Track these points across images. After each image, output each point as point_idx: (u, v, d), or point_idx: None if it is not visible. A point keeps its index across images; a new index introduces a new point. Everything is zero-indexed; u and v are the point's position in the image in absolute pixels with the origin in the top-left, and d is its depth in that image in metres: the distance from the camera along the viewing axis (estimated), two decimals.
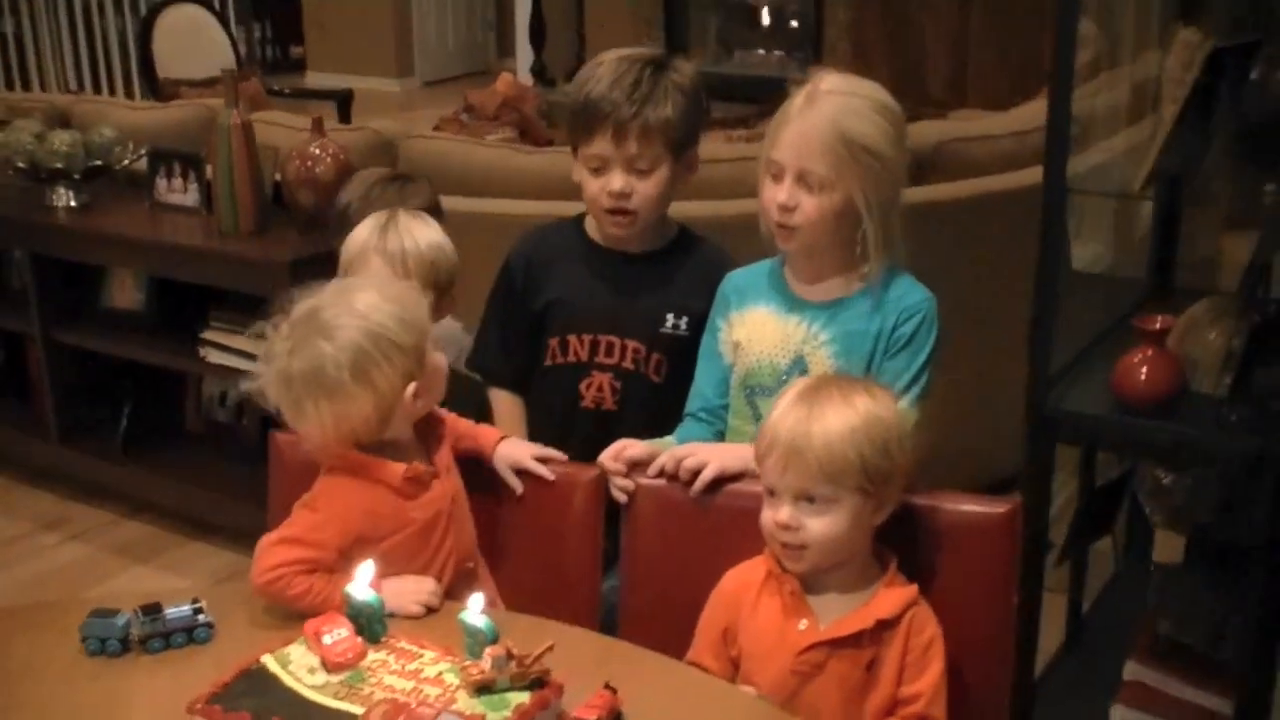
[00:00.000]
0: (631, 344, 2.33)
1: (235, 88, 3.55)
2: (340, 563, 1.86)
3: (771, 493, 1.85)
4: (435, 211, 2.60)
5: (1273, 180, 2.44)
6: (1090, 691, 2.77)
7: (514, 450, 2.14)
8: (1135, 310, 2.64)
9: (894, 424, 1.85)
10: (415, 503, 1.94)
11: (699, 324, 2.28)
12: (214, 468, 3.93)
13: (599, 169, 2.28)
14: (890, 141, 2.01)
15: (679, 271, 2.36)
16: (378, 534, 1.90)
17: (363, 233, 2.35)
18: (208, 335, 3.72)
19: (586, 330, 2.34)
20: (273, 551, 1.87)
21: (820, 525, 1.81)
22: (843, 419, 1.80)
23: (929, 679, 1.83)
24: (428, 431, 2.03)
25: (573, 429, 2.33)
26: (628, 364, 2.33)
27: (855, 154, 1.98)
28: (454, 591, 1.93)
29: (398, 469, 1.91)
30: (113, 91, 8.27)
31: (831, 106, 1.99)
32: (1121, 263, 3.69)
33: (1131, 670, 2.71)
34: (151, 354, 3.91)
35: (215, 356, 3.71)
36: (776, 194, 2.03)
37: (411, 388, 1.90)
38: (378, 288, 1.95)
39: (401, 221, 2.35)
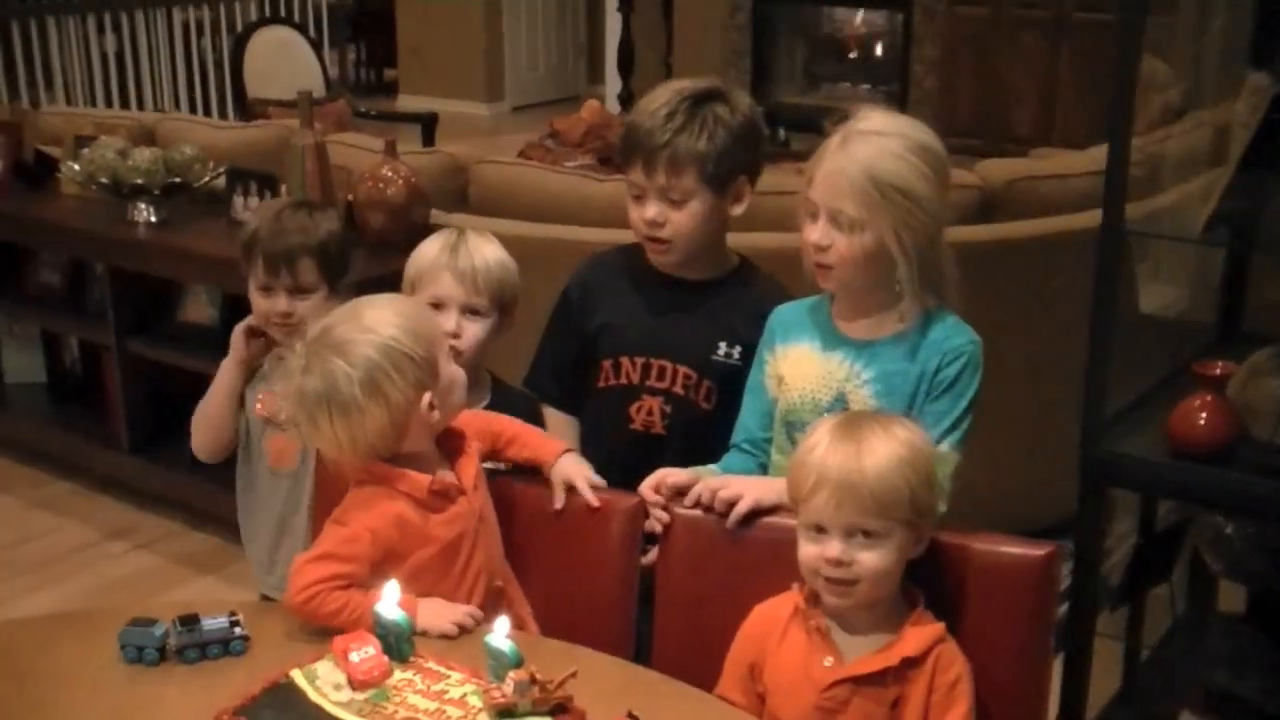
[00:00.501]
0: (683, 369, 2.33)
1: (310, 108, 3.62)
2: (372, 578, 1.89)
3: (820, 529, 1.83)
4: (346, 243, 2.67)
5: None
6: None
7: (572, 467, 2.15)
8: (1200, 356, 2.60)
9: (931, 455, 1.86)
10: (441, 517, 1.96)
11: (751, 355, 2.28)
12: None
13: (638, 197, 2.30)
14: (925, 181, 2.00)
15: (735, 301, 2.36)
16: (406, 547, 1.93)
17: (432, 250, 2.38)
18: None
19: (639, 353, 2.35)
20: (306, 570, 1.90)
21: (872, 559, 1.81)
22: (890, 450, 1.81)
23: (955, 718, 1.82)
24: (452, 446, 2.05)
25: (619, 451, 2.34)
26: (678, 389, 2.33)
27: (886, 194, 1.97)
28: (482, 611, 1.94)
29: (423, 480, 1.94)
30: (207, 111, 8.42)
31: (864, 146, 1.99)
32: (1195, 308, 3.64)
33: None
34: None
35: None
36: (810, 234, 2.04)
37: (426, 398, 1.93)
38: (386, 304, 1.98)
39: (471, 240, 2.38)
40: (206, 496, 4.06)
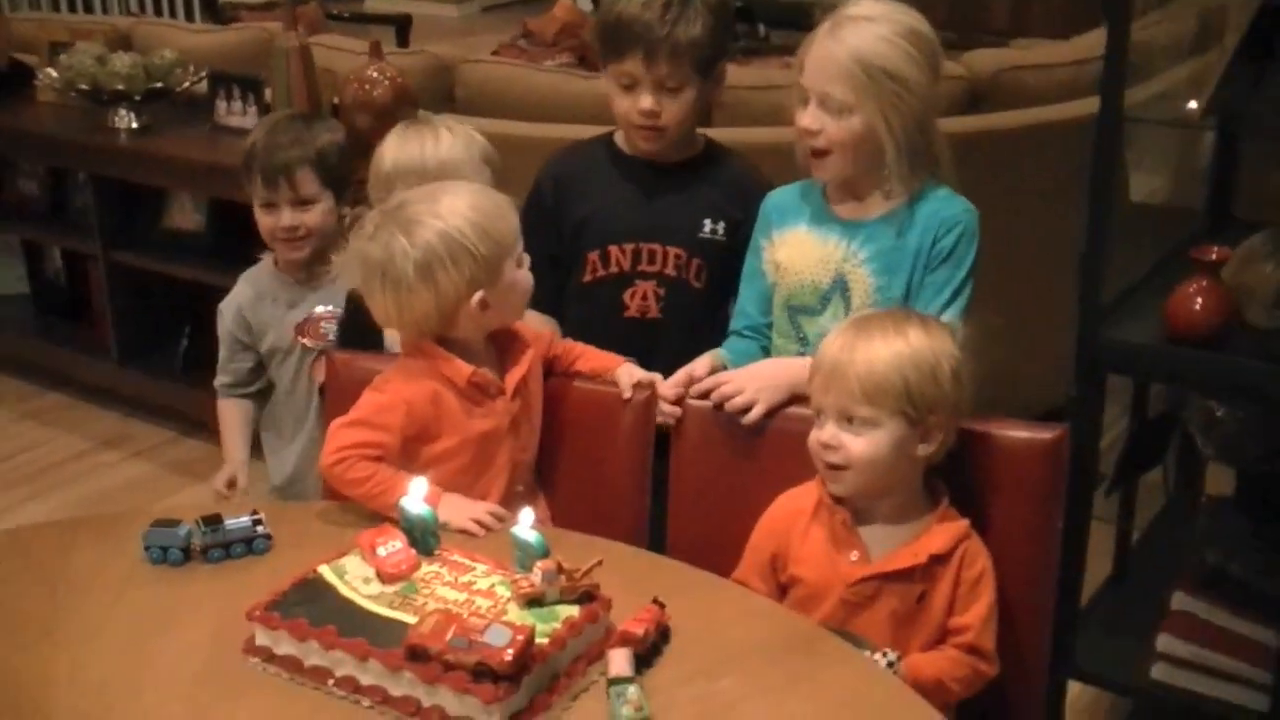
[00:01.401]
0: (674, 250, 2.36)
1: (294, 11, 3.58)
2: (402, 454, 1.95)
3: (818, 413, 1.88)
4: (347, 153, 2.67)
5: None
6: (1137, 621, 2.78)
7: (634, 370, 2.16)
8: (1191, 242, 2.62)
9: (947, 356, 1.86)
10: (477, 409, 2.00)
11: (735, 230, 2.33)
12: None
13: (630, 86, 2.31)
14: (913, 64, 2.01)
15: (711, 179, 2.40)
16: (437, 429, 1.98)
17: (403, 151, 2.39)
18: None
19: (628, 239, 2.37)
20: (340, 434, 1.96)
21: (860, 446, 1.83)
22: (889, 344, 1.83)
23: (978, 611, 1.86)
24: (506, 349, 2.07)
25: (617, 340, 2.34)
26: (670, 271, 2.36)
27: (873, 76, 1.99)
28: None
29: (465, 369, 1.98)
30: (174, 15, 8.30)
31: (852, 31, 2.01)
32: (1184, 194, 3.66)
33: (1179, 600, 2.72)
34: (210, 275, 3.94)
35: None
36: (802, 119, 2.06)
37: (477, 296, 1.95)
38: (469, 194, 2.00)
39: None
40: (198, 403, 4.04)
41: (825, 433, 1.86)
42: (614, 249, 2.37)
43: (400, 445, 1.96)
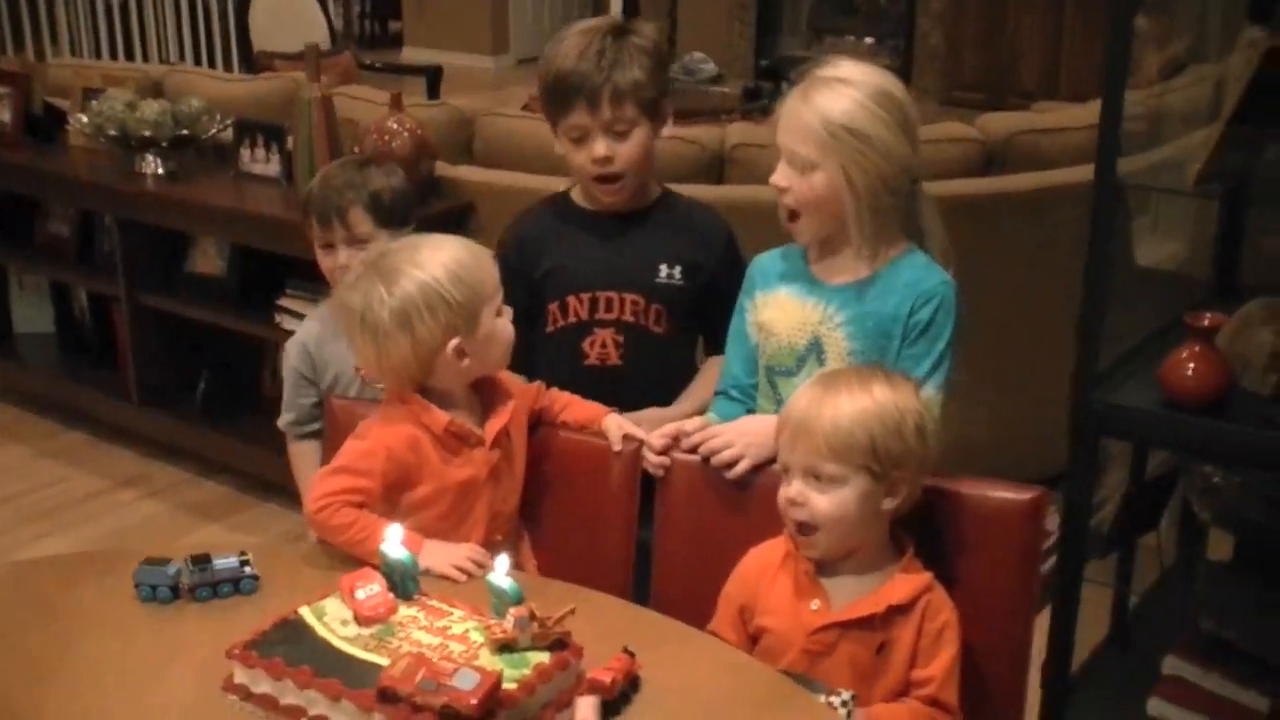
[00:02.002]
0: (630, 296, 2.40)
1: (317, 61, 3.64)
2: (384, 499, 2.00)
3: (785, 469, 1.91)
4: (404, 195, 2.70)
5: None
6: (1131, 685, 2.78)
7: (626, 420, 2.21)
8: (1195, 308, 2.64)
9: (911, 411, 1.88)
10: (455, 458, 2.04)
11: (692, 273, 2.40)
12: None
13: (580, 139, 2.36)
14: (879, 123, 2.04)
15: (667, 224, 2.46)
16: (416, 476, 2.02)
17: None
18: (284, 303, 3.82)
19: (584, 289, 2.42)
20: (324, 481, 2.00)
21: (826, 503, 1.86)
22: (854, 401, 1.85)
23: (940, 664, 1.87)
24: (489, 399, 2.11)
25: (579, 389, 2.38)
26: (628, 317, 2.41)
27: (835, 134, 2.02)
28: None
29: (442, 418, 2.02)
30: (213, 64, 8.41)
31: (821, 91, 2.05)
32: (1193, 262, 3.67)
33: (1171, 665, 2.72)
34: (230, 319, 4.02)
35: (290, 323, 3.79)
36: (774, 176, 2.11)
37: (453, 344, 1.99)
38: (446, 246, 2.05)
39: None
40: (215, 446, 4.13)
41: (792, 489, 1.88)
42: (572, 299, 2.42)
43: (382, 491, 2.00)
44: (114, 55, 8.06)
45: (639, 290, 2.41)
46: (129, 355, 4.24)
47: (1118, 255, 3.52)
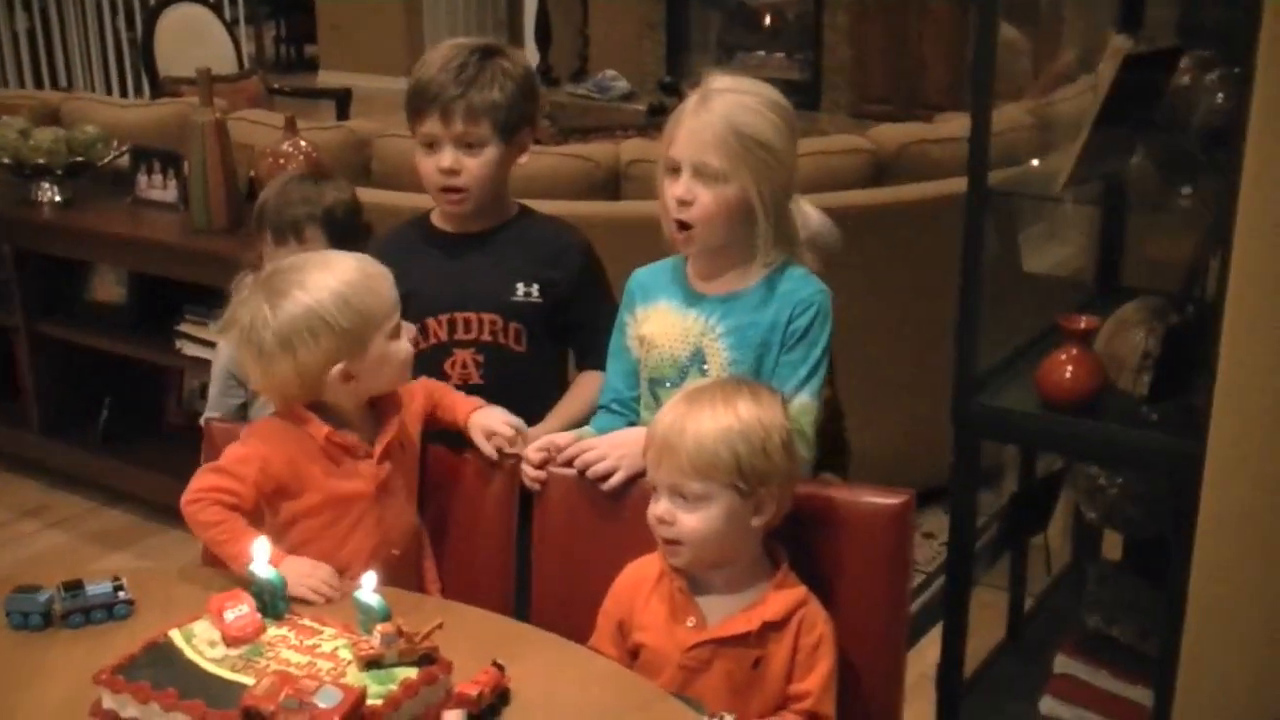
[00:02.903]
0: (488, 317, 2.41)
1: (210, 86, 3.63)
2: (267, 507, 2.01)
3: (653, 487, 1.91)
4: (355, 209, 2.69)
5: (1188, 184, 2.49)
6: (1025, 685, 2.83)
7: (485, 417, 2.22)
8: (1076, 312, 2.69)
9: (777, 428, 1.88)
10: (339, 470, 2.04)
11: (548, 291, 2.40)
12: (192, 459, 3.96)
13: (431, 145, 2.38)
14: (781, 136, 2.08)
15: (524, 243, 2.46)
16: (296, 487, 2.02)
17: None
18: (183, 328, 3.80)
19: (442, 310, 2.42)
20: (201, 477, 2.02)
21: (693, 521, 1.86)
22: (717, 419, 1.85)
23: (817, 677, 1.88)
24: (381, 411, 2.11)
25: None
26: (486, 336, 2.41)
27: (748, 147, 2.04)
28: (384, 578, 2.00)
29: (322, 430, 2.03)
30: (123, 90, 8.38)
31: (724, 103, 2.06)
32: (1083, 267, 3.74)
33: (1061, 663, 2.77)
34: (131, 347, 4.00)
35: (190, 349, 3.79)
36: (674, 189, 2.09)
37: (337, 368, 1.99)
38: (336, 266, 2.03)
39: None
40: (119, 474, 4.10)
41: (659, 507, 1.88)
42: (430, 321, 2.42)
43: (255, 497, 2.01)
44: (22, 83, 7.99)
45: (496, 309, 2.41)
46: (29, 385, 4.20)
47: (1006, 260, 3.59)
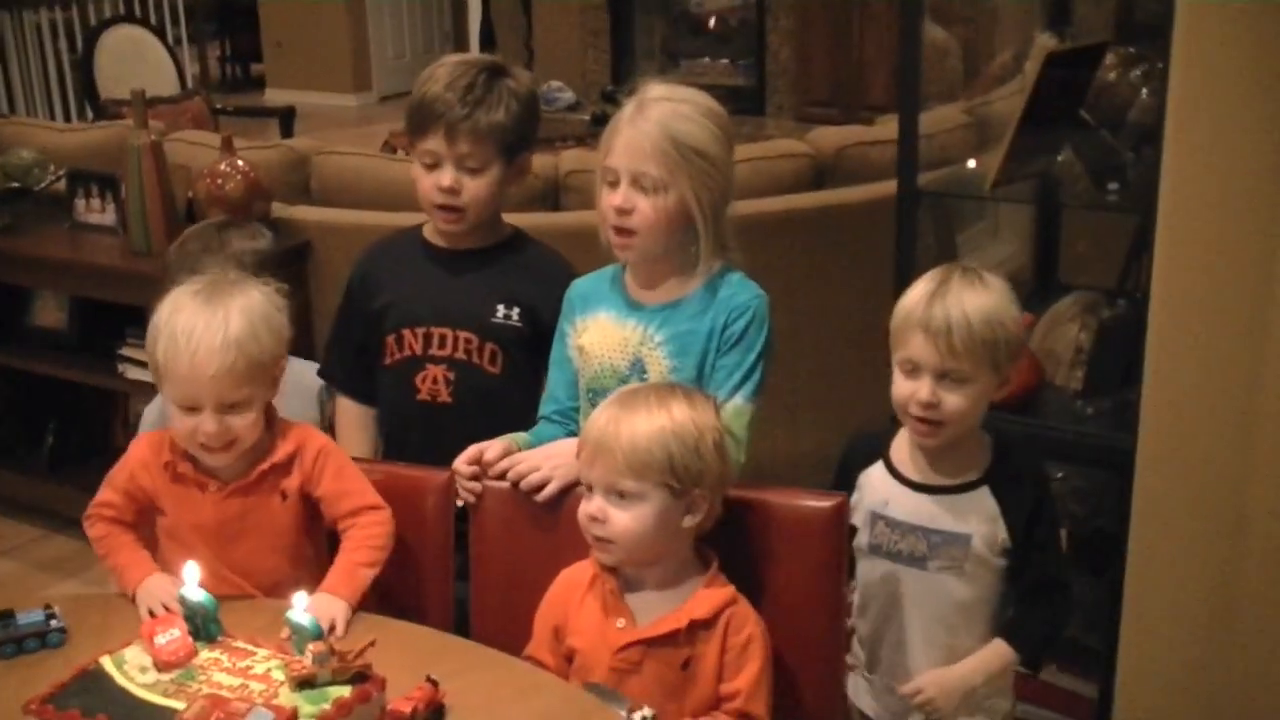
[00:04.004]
0: (463, 335, 2.39)
1: (144, 109, 3.62)
2: (141, 518, 2.04)
3: (587, 486, 1.92)
4: (273, 259, 2.65)
5: (1114, 179, 2.52)
6: None
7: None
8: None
9: (710, 429, 1.90)
10: (181, 493, 2.02)
11: (531, 317, 2.38)
12: None
13: (432, 165, 2.36)
14: (718, 143, 2.09)
15: (510, 266, 2.45)
16: (160, 501, 2.03)
17: None
18: (126, 352, 3.78)
19: (419, 323, 2.41)
20: (99, 489, 2.06)
21: (625, 519, 1.87)
22: (651, 419, 1.87)
23: (747, 676, 1.89)
24: (265, 447, 2.03)
25: (411, 423, 2.40)
26: (460, 355, 2.40)
27: (686, 155, 2.05)
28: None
29: (164, 446, 2.02)
30: (66, 113, 8.32)
31: (660, 112, 2.06)
32: (1025, 264, 3.77)
33: None
34: (74, 372, 3.97)
35: (134, 373, 3.77)
36: (613, 199, 2.09)
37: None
38: (178, 308, 1.99)
39: None
40: (65, 501, 4.04)
41: (593, 505, 1.90)
42: (407, 333, 2.41)
43: (130, 506, 2.03)
44: None
45: (472, 328, 2.40)
46: None
47: (944, 259, 3.60)
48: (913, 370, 2.07)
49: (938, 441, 2.08)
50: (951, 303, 2.03)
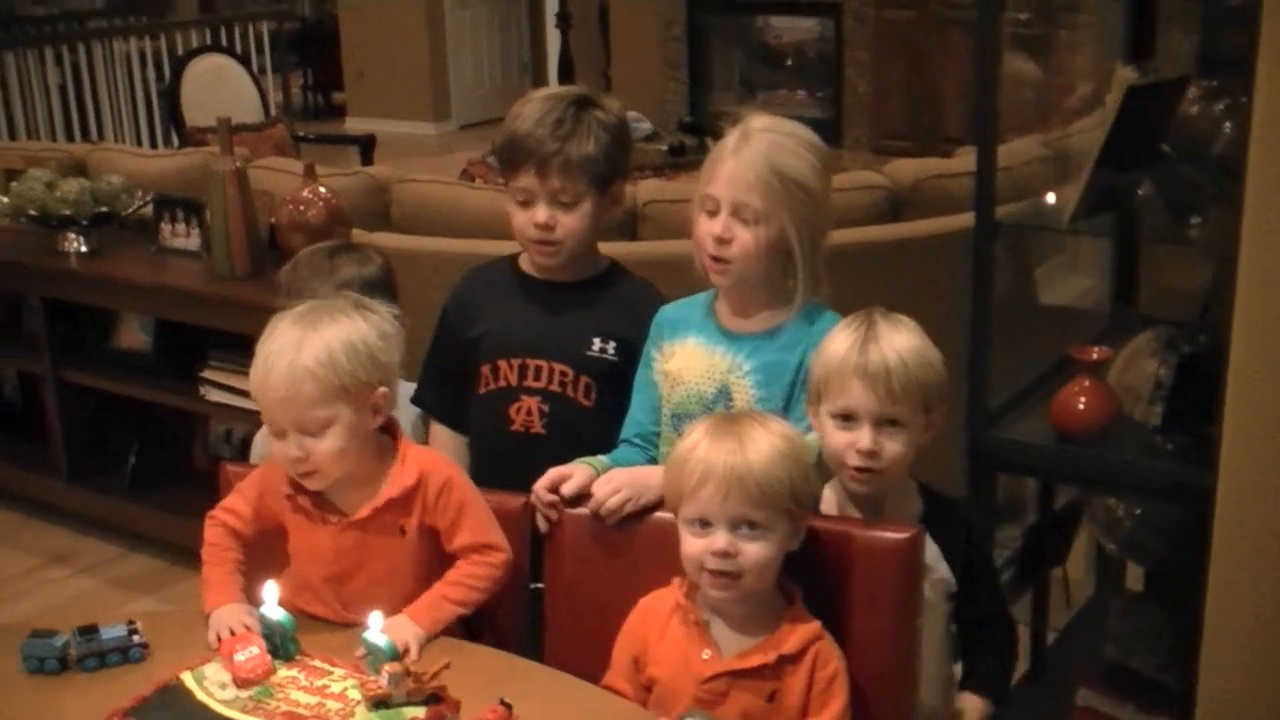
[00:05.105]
0: (559, 367, 2.39)
1: (229, 135, 3.68)
2: (260, 534, 2.07)
3: (705, 523, 1.86)
4: (384, 284, 2.60)
5: (1196, 214, 2.50)
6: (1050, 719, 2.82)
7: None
8: (1091, 343, 2.69)
9: (809, 449, 1.92)
10: (303, 524, 2.04)
11: (626, 350, 2.36)
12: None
13: (526, 202, 2.36)
14: (819, 177, 2.10)
15: (606, 299, 2.44)
16: (275, 521, 2.06)
17: None
18: (207, 374, 3.84)
19: (515, 354, 2.41)
20: (228, 495, 2.10)
21: (756, 550, 1.84)
22: (770, 443, 1.85)
23: (831, 712, 1.87)
24: (379, 488, 2.03)
25: (502, 453, 2.41)
26: (555, 387, 2.40)
27: (788, 187, 2.07)
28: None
29: (281, 476, 2.04)
30: (153, 140, 8.48)
31: (764, 143, 2.08)
32: (1103, 297, 3.74)
33: (1083, 697, 2.75)
34: (155, 393, 4.04)
35: (214, 395, 3.83)
36: (712, 228, 2.11)
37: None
38: (278, 336, 1.98)
39: None
40: (144, 520, 4.13)
41: (720, 540, 1.84)
42: (503, 363, 2.41)
43: (254, 519, 2.06)
44: (53, 136, 8.10)
45: (568, 361, 2.39)
46: (56, 432, 4.25)
47: (1022, 293, 3.59)
48: (849, 420, 2.00)
49: (874, 489, 2.02)
50: (885, 346, 1.98)
